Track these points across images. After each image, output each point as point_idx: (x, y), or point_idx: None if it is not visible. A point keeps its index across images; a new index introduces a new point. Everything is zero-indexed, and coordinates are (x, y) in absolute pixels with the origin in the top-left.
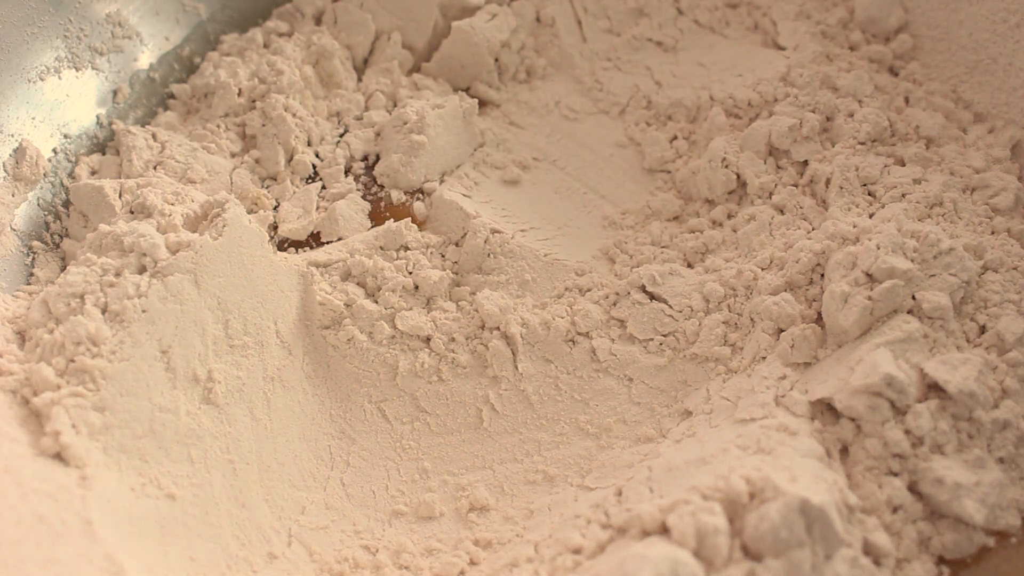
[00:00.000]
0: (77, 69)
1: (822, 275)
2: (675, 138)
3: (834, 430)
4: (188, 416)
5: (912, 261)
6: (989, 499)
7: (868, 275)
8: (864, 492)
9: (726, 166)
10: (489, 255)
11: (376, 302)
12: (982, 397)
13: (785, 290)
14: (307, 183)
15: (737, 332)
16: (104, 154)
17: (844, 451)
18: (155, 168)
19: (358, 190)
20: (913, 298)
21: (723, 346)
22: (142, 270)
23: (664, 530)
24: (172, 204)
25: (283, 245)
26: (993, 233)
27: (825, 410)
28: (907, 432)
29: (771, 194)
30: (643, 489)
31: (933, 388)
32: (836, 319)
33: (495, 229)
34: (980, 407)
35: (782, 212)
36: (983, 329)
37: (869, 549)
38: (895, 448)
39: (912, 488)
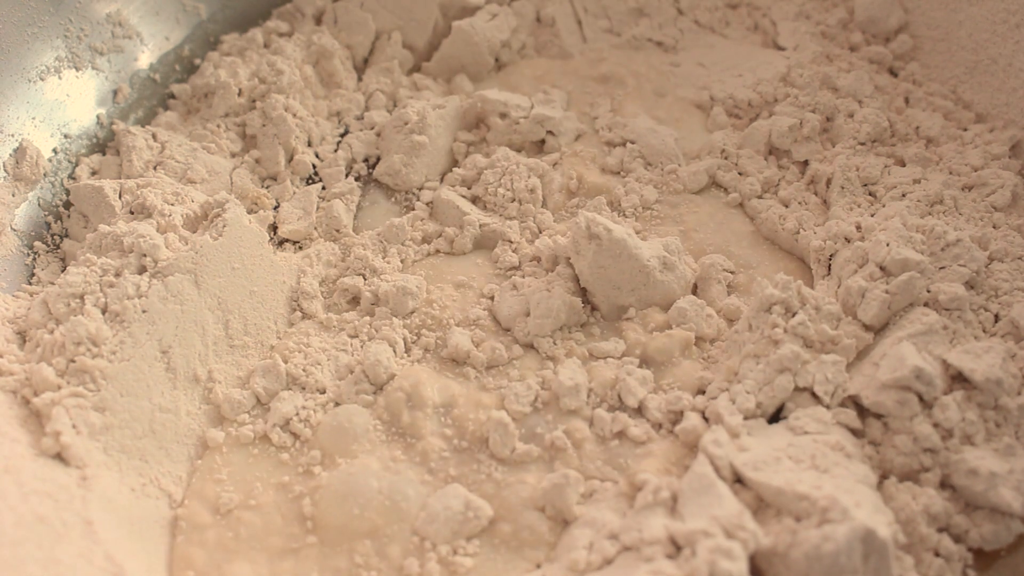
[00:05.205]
0: (77, 69)
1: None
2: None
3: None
4: (188, 416)
5: (921, 254)
6: None
7: (882, 268)
8: (898, 504)
9: (725, 157)
10: None
11: None
12: (1007, 384)
13: None
14: (307, 183)
15: None
16: (104, 154)
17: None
18: (155, 168)
19: (358, 190)
20: (927, 291)
21: None
22: (142, 270)
23: (676, 553)
24: (172, 204)
25: (283, 245)
26: (994, 227)
27: (851, 407)
28: (936, 425)
29: (776, 191)
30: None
31: (956, 379)
32: (854, 315)
33: (483, 223)
34: (1006, 394)
35: (787, 207)
36: (996, 318)
37: None
38: (925, 443)
39: (945, 483)
